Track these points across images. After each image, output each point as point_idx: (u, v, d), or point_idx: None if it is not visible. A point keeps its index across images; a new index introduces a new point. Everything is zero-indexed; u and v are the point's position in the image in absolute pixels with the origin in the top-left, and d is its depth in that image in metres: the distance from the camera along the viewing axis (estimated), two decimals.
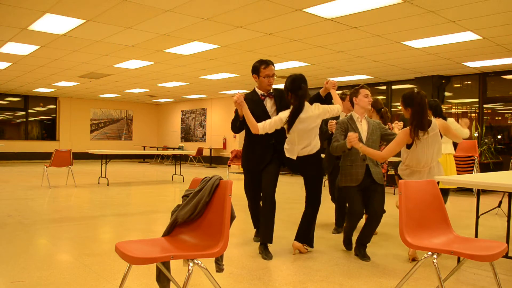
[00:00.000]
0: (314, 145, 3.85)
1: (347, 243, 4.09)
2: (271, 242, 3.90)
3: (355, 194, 3.78)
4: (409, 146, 3.61)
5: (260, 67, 3.95)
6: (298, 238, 3.98)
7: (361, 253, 3.80)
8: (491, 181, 3.22)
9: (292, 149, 3.85)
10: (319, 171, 3.95)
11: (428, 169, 3.67)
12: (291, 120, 3.72)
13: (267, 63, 3.96)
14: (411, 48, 7.63)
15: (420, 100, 3.53)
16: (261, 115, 3.93)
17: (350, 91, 4.00)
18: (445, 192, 5.53)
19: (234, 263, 3.54)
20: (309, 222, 3.97)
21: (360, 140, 3.68)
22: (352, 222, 3.91)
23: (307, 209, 3.99)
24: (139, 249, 2.15)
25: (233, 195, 2.29)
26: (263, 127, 3.73)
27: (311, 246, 4.03)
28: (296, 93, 3.68)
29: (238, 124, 4.08)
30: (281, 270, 3.45)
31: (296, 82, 3.71)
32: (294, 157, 3.84)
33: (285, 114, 3.77)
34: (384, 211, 3.82)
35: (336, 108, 3.88)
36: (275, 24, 6.31)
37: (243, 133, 4.38)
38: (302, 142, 3.80)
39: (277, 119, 3.75)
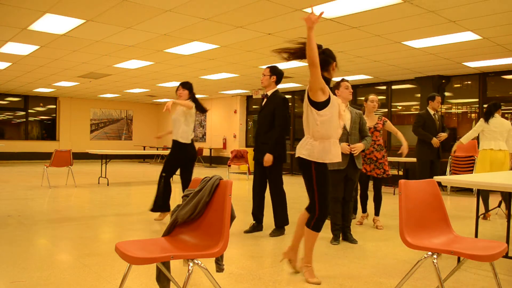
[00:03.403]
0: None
1: (335, 229, 4.35)
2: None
3: (340, 181, 4.27)
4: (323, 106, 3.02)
5: None
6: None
7: (349, 238, 4.38)
8: (491, 181, 3.23)
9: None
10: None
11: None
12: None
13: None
14: (411, 48, 7.63)
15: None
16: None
17: (333, 85, 4.42)
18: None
19: (234, 263, 3.54)
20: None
21: (345, 128, 4.26)
22: (335, 207, 4.31)
23: None
24: (139, 249, 2.15)
25: (233, 195, 2.29)
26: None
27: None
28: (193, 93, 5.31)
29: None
30: (281, 270, 3.44)
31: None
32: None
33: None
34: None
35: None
36: (275, 24, 6.31)
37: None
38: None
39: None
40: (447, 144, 7.19)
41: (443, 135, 6.08)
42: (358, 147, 4.24)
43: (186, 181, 5.21)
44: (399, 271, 3.38)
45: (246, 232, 4.73)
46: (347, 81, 4.42)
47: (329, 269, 3.42)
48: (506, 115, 10.17)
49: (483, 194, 5.71)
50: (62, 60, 9.28)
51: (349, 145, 4.22)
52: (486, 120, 5.78)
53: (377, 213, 5.22)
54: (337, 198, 4.31)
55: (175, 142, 5.28)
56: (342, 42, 7.30)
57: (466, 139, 5.99)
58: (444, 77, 10.43)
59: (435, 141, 6.02)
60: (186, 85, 5.35)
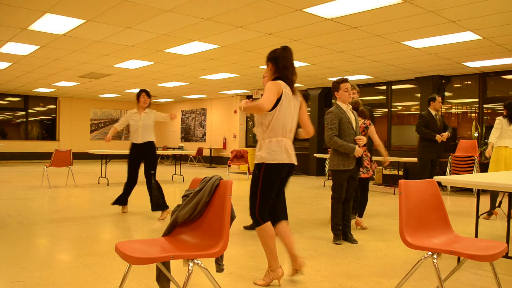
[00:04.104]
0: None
1: (337, 229, 4.30)
2: None
3: (345, 181, 4.26)
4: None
5: None
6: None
7: (349, 238, 4.33)
8: (491, 181, 3.23)
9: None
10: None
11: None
12: None
13: None
14: (411, 48, 7.63)
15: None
16: None
17: (332, 84, 4.32)
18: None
19: (234, 263, 3.54)
20: None
21: (352, 128, 4.25)
22: (338, 207, 4.27)
23: None
24: (139, 249, 2.15)
25: (233, 195, 2.29)
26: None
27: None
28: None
29: None
30: None
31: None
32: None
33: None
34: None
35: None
36: (275, 24, 6.31)
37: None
38: None
39: None
40: (447, 143, 7.21)
41: (446, 135, 6.35)
42: (363, 138, 4.30)
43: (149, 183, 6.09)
44: (399, 271, 3.37)
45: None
46: (347, 81, 4.23)
47: (329, 269, 3.42)
48: None
49: (493, 192, 5.79)
50: (62, 60, 9.28)
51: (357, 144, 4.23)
52: (511, 120, 5.81)
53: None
54: (340, 198, 4.26)
55: (152, 143, 5.93)
56: (342, 42, 7.30)
57: (493, 137, 6.04)
58: (444, 77, 10.43)
59: (439, 138, 6.33)
60: (149, 94, 5.86)
